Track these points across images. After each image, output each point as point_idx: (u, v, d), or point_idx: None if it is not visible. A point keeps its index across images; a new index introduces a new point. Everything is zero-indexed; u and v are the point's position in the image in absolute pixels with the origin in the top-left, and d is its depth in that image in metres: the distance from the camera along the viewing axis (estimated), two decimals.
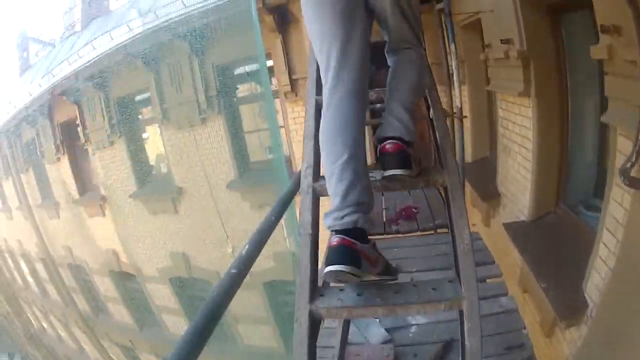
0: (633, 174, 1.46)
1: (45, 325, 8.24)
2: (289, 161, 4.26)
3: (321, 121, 0.91)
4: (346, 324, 1.50)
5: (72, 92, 5.36)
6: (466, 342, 0.87)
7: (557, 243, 2.58)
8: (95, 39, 5.25)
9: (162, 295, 5.80)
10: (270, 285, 4.90)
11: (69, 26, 6.21)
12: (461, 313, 0.89)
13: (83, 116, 5.43)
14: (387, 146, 0.93)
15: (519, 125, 3.17)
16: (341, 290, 0.90)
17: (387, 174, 0.93)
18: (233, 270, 0.71)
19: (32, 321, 8.53)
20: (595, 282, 1.89)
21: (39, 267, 7.21)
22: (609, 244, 1.80)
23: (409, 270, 2.19)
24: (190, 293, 5.62)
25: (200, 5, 4.26)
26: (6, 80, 6.75)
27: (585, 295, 1.96)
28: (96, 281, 6.39)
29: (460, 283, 0.89)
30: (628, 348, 1.56)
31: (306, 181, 1.03)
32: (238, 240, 4.69)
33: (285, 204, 1.12)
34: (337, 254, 0.80)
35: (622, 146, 1.66)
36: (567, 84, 2.74)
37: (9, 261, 8.10)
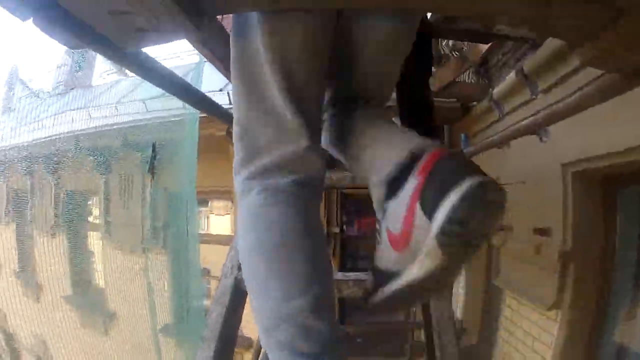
0: None
1: None
2: None
3: None
4: None
5: (25, 163, 4.73)
6: None
7: None
8: (61, 112, 4.62)
9: None
10: None
11: (56, 84, 5.59)
12: None
13: (33, 192, 4.79)
14: None
15: (534, 337, 2.48)
16: None
17: None
18: None
19: None
20: None
21: None
22: None
23: None
24: None
25: (161, 114, 3.52)
26: None
27: None
28: (25, 358, 5.77)
29: None
30: None
31: None
32: None
33: None
34: None
35: None
36: (608, 293, 2.09)
37: None
